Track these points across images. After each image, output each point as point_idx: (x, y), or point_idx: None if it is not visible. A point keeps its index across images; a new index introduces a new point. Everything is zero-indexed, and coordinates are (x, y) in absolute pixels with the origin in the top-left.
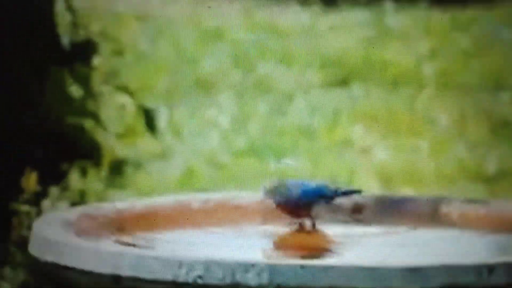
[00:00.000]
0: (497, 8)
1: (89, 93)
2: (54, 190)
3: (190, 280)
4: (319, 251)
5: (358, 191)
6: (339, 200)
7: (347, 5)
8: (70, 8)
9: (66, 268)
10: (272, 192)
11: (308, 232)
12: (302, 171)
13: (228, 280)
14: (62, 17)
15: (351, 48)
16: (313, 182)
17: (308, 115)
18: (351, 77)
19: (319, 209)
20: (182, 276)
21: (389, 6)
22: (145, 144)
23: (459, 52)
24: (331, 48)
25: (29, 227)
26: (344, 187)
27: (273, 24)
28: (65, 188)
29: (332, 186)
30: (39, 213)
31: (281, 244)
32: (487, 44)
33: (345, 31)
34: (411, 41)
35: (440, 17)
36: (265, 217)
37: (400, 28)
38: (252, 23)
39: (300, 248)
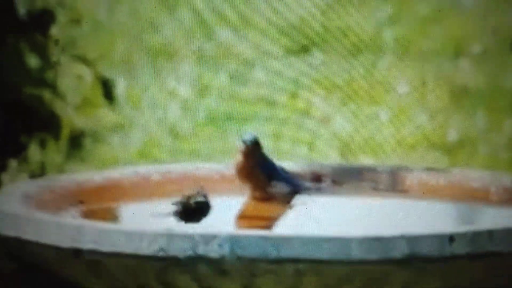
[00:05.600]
0: None
1: (47, 63)
2: (13, 163)
3: (151, 253)
4: (281, 221)
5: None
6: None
7: None
8: None
9: (26, 242)
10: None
11: (271, 202)
12: (262, 141)
13: (190, 252)
14: None
15: (311, 15)
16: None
17: (268, 84)
18: (311, 44)
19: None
20: (144, 249)
21: None
22: (103, 115)
23: (419, 19)
24: (290, 15)
25: None
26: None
27: None
28: (24, 161)
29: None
30: None
31: (243, 215)
32: (447, 10)
33: None
34: (371, 7)
35: None
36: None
37: None
38: None
39: (262, 218)
